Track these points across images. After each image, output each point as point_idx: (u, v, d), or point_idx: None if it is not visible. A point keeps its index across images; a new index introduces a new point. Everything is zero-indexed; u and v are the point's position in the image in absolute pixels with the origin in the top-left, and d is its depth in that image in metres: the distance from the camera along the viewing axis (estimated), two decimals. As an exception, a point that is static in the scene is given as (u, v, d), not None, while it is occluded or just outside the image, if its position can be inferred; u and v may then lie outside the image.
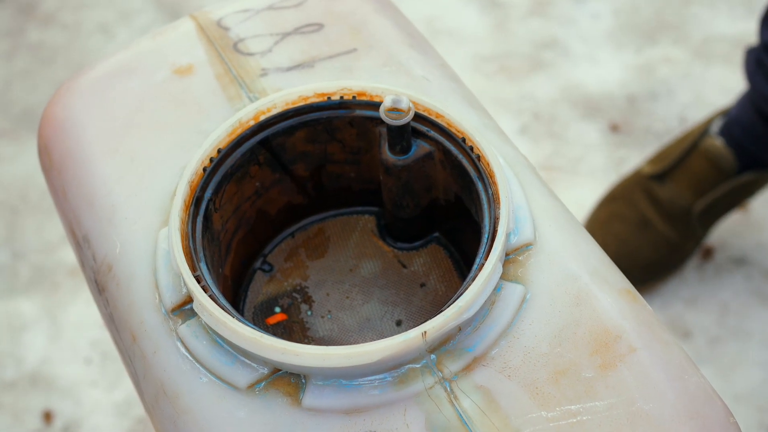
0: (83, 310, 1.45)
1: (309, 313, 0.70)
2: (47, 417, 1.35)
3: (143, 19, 1.84)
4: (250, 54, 0.74)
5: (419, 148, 0.67)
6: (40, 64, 1.78)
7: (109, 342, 1.42)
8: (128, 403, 1.36)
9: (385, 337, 0.58)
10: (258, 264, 0.73)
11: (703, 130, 1.37)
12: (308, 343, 0.67)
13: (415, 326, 0.58)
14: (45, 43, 1.81)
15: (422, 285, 0.71)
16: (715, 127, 1.36)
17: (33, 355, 1.41)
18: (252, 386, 0.59)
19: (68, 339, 1.43)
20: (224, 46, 0.74)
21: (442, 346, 0.59)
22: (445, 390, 0.58)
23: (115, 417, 1.35)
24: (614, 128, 1.61)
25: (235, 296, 0.71)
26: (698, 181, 1.34)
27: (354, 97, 0.68)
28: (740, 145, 1.34)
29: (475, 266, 0.60)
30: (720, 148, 1.34)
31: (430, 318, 0.58)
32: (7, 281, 1.49)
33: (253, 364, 0.59)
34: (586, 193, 1.53)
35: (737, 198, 1.37)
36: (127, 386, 1.37)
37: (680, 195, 1.34)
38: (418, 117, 0.67)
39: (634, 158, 1.57)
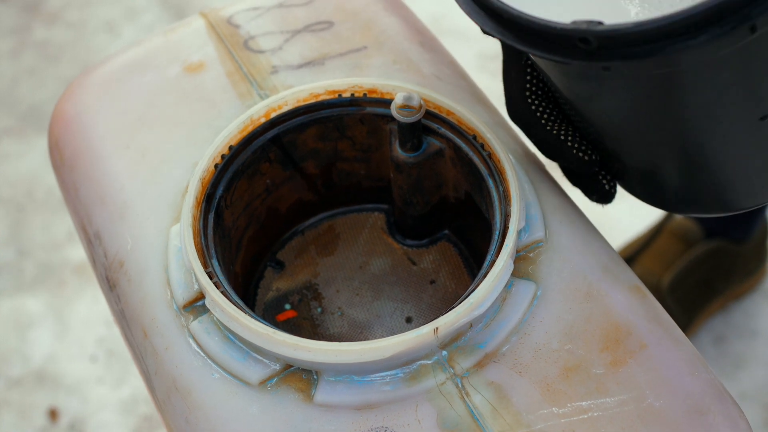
0: (89, 308, 1.46)
1: (319, 310, 0.70)
2: (53, 414, 1.36)
3: (148, 18, 1.84)
4: (261, 51, 0.74)
5: (430, 145, 0.67)
6: (46, 61, 1.78)
7: (114, 339, 1.42)
8: (134, 401, 1.36)
9: (396, 334, 0.58)
10: (268, 261, 0.73)
11: (666, 216, 1.39)
12: (318, 340, 0.67)
13: (425, 323, 0.58)
14: (51, 41, 1.81)
15: (432, 282, 0.71)
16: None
17: (39, 352, 1.42)
18: (264, 382, 0.59)
19: (74, 336, 1.43)
20: (235, 43, 0.75)
21: (453, 342, 0.59)
22: (457, 386, 0.58)
23: (121, 414, 1.35)
24: (619, 127, 1.61)
25: (245, 293, 0.71)
26: (665, 255, 1.35)
27: (365, 94, 0.68)
28: (701, 220, 1.36)
29: (486, 263, 0.60)
30: (685, 221, 1.36)
31: (440, 315, 0.58)
32: (13, 279, 1.49)
33: (265, 360, 0.59)
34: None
35: (705, 273, 1.36)
36: (133, 384, 1.37)
37: (648, 271, 1.34)
38: (428, 114, 0.67)
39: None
